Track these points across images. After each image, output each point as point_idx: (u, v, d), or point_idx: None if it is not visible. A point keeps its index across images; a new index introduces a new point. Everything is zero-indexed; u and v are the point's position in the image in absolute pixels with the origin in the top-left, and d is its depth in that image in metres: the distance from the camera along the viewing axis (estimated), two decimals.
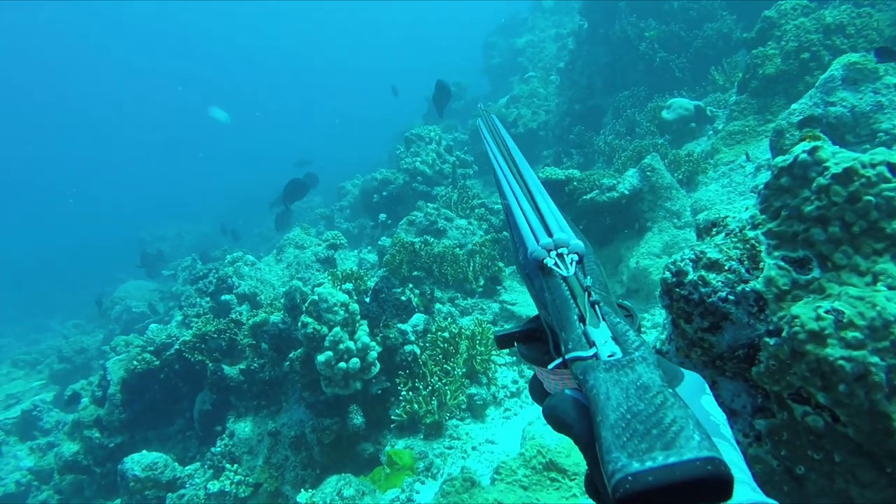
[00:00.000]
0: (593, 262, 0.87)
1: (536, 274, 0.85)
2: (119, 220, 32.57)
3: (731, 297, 1.63)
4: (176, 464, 5.78)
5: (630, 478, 0.50)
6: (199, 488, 5.45)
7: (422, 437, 5.00)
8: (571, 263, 0.81)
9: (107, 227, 33.10)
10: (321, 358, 4.71)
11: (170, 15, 60.82)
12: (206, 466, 5.68)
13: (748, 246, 1.66)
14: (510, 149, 1.11)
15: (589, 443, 0.62)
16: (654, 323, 5.68)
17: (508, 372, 5.64)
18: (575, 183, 6.73)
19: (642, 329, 5.70)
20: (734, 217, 1.78)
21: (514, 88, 15.40)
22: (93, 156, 58.12)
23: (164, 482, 5.55)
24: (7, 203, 47.98)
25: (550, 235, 0.85)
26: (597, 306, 0.73)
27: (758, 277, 1.61)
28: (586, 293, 0.76)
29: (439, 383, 5.05)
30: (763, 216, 1.68)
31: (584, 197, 6.54)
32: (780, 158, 1.65)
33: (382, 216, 10.04)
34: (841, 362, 1.36)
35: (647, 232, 6.25)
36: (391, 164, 12.85)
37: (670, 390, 0.59)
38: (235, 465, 5.42)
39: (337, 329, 4.81)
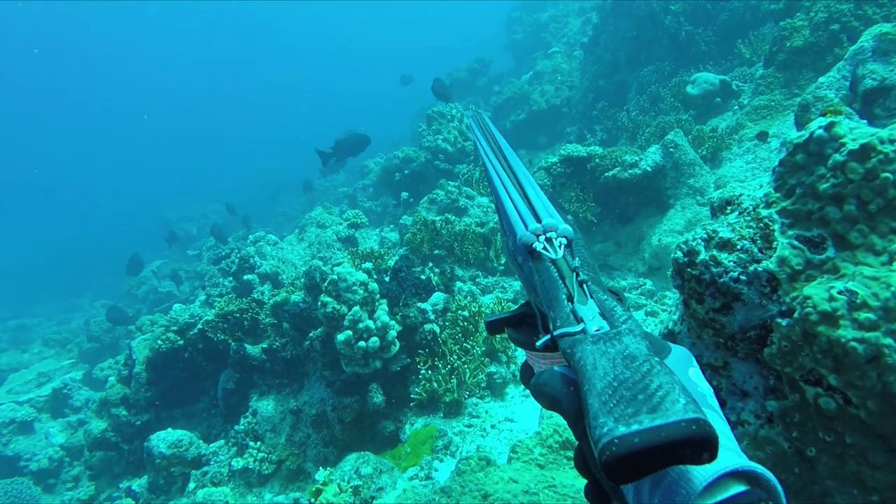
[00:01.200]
0: (582, 246, 0.88)
1: (526, 258, 0.86)
2: (146, 203, 33.06)
3: (742, 278, 1.60)
4: (201, 441, 5.90)
5: (616, 440, 0.51)
6: (224, 465, 5.57)
7: (441, 415, 5.03)
8: (560, 247, 0.82)
9: (134, 209, 33.63)
10: (341, 337, 4.75)
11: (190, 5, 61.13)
12: (230, 444, 5.80)
13: (761, 225, 1.62)
14: (500, 143, 1.14)
15: (578, 417, 0.64)
16: (678, 302, 5.62)
17: None
18: (597, 160, 6.64)
19: (665, 306, 5.65)
20: (748, 195, 1.74)
21: (538, 64, 15.19)
22: (122, 144, 59.25)
23: (190, 459, 5.68)
24: (40, 190, 49.29)
25: (539, 221, 0.86)
26: (584, 285, 0.75)
27: (771, 257, 1.57)
28: (574, 273, 0.77)
29: (459, 362, 5.06)
30: (777, 194, 1.64)
31: (606, 174, 6.46)
32: (794, 135, 1.60)
33: (404, 194, 10.02)
34: (853, 344, 1.33)
35: (669, 209, 6.15)
36: (413, 142, 12.81)
37: (656, 359, 0.60)
38: (258, 443, 5.51)
39: (356, 308, 4.84)
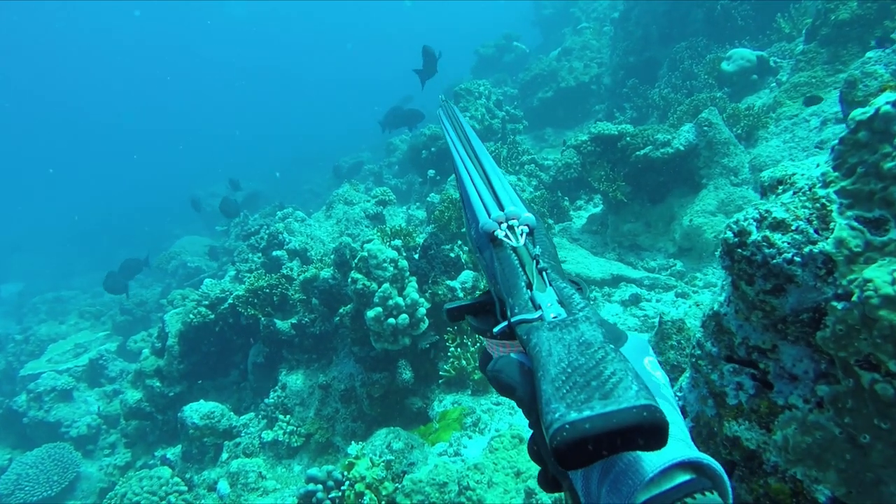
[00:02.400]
0: (543, 235, 0.90)
1: (487, 246, 0.88)
2: (175, 179, 33.39)
3: (797, 259, 1.55)
4: (232, 413, 6.01)
5: (567, 426, 0.52)
6: (254, 437, 5.68)
7: (470, 392, 5.06)
8: (521, 235, 0.85)
9: (164, 185, 33.99)
10: (371, 314, 4.77)
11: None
12: (260, 416, 5.89)
13: (818, 205, 1.57)
14: (468, 134, 1.17)
15: (532, 405, 0.64)
16: (707, 283, 5.55)
17: None
18: (628, 138, 6.54)
19: (695, 288, 5.58)
20: (803, 174, 1.69)
21: (566, 40, 14.93)
22: (152, 122, 60.28)
23: (221, 430, 5.79)
24: (75, 168, 50.38)
25: (502, 209, 0.88)
26: (544, 273, 0.76)
27: (827, 238, 1.52)
28: (535, 261, 0.79)
29: None
30: (836, 174, 1.58)
31: (637, 153, 6.35)
32: (858, 111, 1.54)
33: (431, 172, 9.97)
34: None
35: (702, 189, 6.05)
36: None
37: (611, 346, 0.61)
38: (288, 416, 5.60)
39: (386, 285, 4.85)
